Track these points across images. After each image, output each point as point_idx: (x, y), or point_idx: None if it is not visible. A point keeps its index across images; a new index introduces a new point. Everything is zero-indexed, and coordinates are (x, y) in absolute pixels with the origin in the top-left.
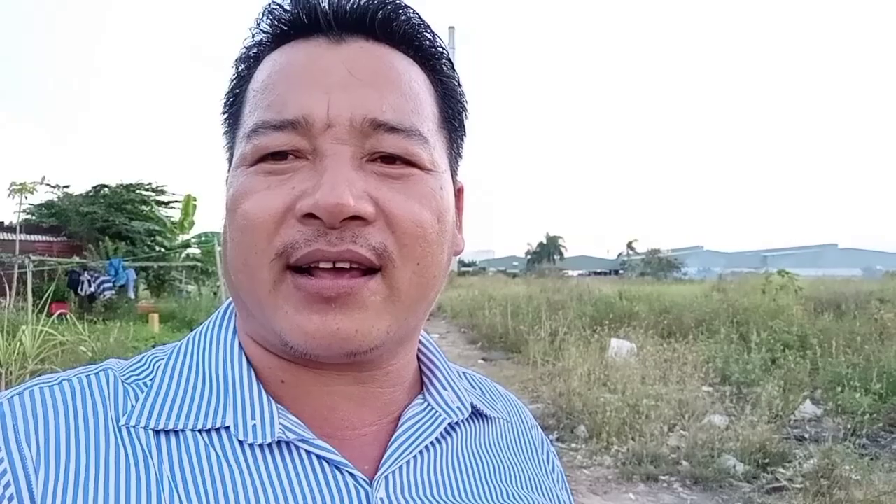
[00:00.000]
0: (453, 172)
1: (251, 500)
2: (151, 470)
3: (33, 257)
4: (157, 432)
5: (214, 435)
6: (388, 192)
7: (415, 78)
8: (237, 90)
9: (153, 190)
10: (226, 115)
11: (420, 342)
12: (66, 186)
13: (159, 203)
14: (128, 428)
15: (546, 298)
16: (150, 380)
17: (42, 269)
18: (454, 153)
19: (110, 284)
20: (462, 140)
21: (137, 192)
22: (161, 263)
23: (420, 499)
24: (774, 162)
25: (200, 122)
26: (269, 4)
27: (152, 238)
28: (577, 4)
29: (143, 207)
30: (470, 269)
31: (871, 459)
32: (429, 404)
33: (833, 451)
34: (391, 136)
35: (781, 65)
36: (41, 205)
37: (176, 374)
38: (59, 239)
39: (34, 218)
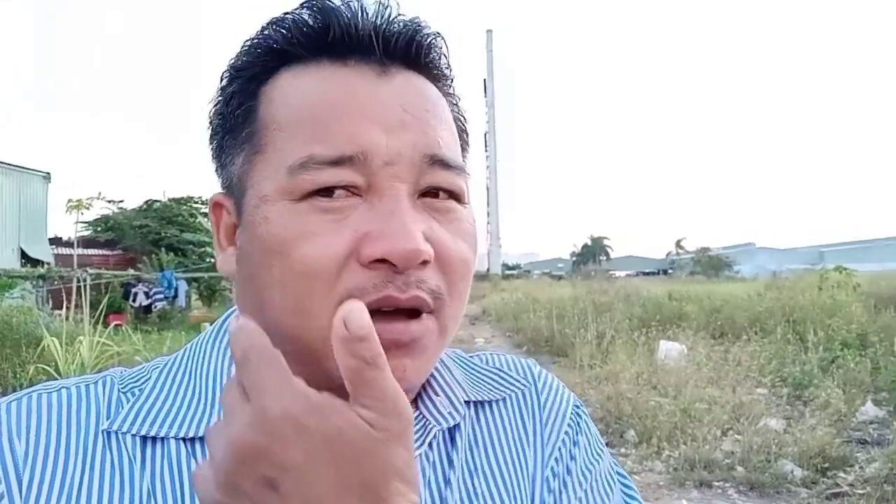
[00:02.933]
0: None
1: None
2: (136, 476)
3: (90, 270)
4: (143, 439)
5: (198, 444)
6: (439, 230)
7: (448, 109)
8: (245, 104)
9: (202, 202)
10: (226, 131)
11: None
12: (121, 201)
13: (208, 215)
14: (115, 433)
15: (592, 300)
16: (143, 388)
17: (99, 281)
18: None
19: (163, 296)
20: (467, 157)
21: (187, 205)
22: (211, 274)
23: None
24: (829, 152)
25: None
26: (290, 15)
27: (202, 249)
28: (612, 4)
29: (193, 220)
30: (514, 272)
31: None
32: (420, 412)
33: None
34: (445, 173)
35: (825, 55)
36: (97, 219)
37: (168, 382)
38: (114, 252)
39: (91, 232)
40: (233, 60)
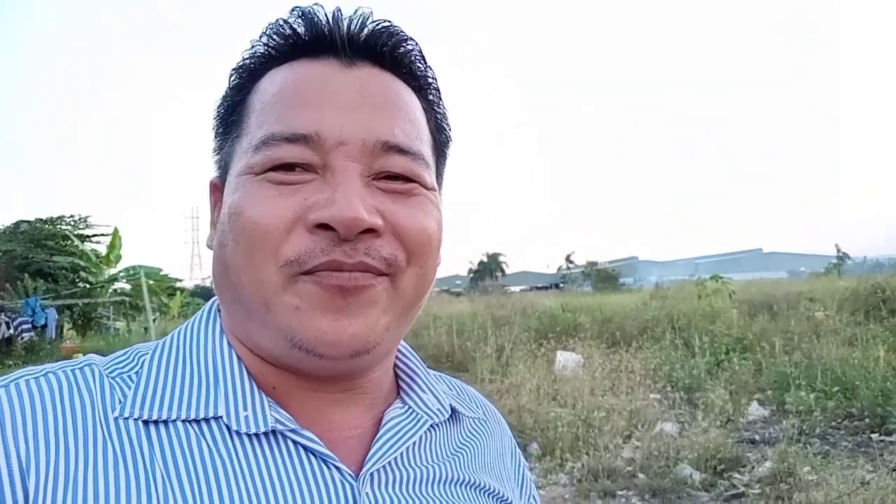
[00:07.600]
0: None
1: (241, 490)
2: (140, 462)
3: None
4: (146, 424)
5: (204, 425)
6: (394, 206)
7: (416, 106)
8: (237, 99)
9: (76, 223)
10: (221, 122)
11: (399, 350)
12: None
13: (83, 237)
14: (116, 420)
15: (490, 314)
16: (136, 374)
17: None
18: (441, 177)
19: (29, 325)
20: (445, 164)
21: (59, 226)
22: (86, 300)
23: (404, 494)
24: (699, 171)
25: (126, 147)
26: (278, 22)
27: (76, 273)
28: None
29: (66, 242)
30: None
31: (824, 457)
32: (409, 407)
33: (788, 453)
34: (399, 158)
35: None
36: None
37: (163, 366)
38: None
39: None
40: (235, 65)
